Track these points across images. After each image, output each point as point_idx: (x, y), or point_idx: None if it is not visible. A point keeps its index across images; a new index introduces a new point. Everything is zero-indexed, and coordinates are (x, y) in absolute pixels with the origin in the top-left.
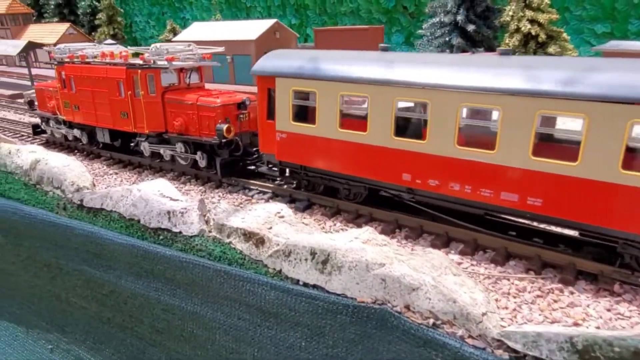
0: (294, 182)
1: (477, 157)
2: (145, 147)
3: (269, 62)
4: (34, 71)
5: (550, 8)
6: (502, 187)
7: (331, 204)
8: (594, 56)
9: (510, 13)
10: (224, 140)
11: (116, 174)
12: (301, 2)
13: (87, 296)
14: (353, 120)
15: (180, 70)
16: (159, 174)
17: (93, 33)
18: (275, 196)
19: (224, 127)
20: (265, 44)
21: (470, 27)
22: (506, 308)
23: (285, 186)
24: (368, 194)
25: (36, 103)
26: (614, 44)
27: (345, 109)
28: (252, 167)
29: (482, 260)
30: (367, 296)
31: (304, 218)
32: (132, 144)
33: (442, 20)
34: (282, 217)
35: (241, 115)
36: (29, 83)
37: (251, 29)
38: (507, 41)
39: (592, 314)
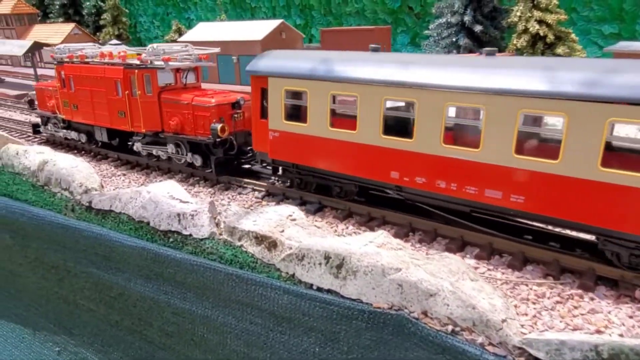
0: (288, 181)
1: (462, 155)
2: (139, 147)
3: (262, 62)
4: (39, 71)
5: (559, 9)
6: (486, 184)
7: (342, 206)
8: (604, 57)
9: (518, 13)
10: (218, 140)
11: (124, 175)
12: (306, 2)
13: (95, 299)
14: (343, 119)
15: (177, 70)
16: (167, 175)
17: (98, 33)
18: (285, 198)
19: (218, 126)
20: (271, 44)
21: (478, 28)
22: (526, 314)
23: (276, 184)
24: (358, 191)
25: (36, 102)
26: (624, 45)
27: (336, 108)
28: (248, 166)
29: (498, 264)
30: (383, 302)
31: (316, 221)
32: (129, 143)
33: (449, 20)
34: (294, 219)
35: (235, 115)
36: (34, 83)
37: (257, 29)
38: (514, 42)
39: (614, 321)
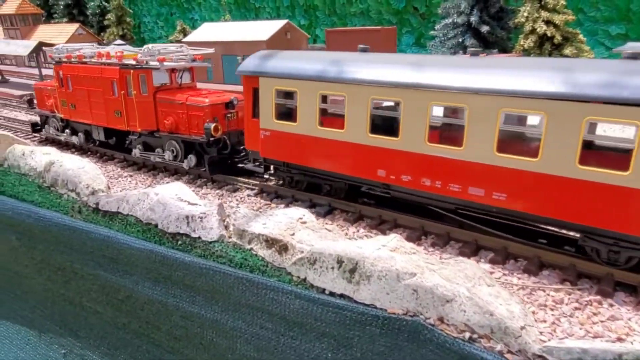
0: (280, 179)
1: (446, 153)
2: (137, 153)
3: (254, 62)
4: (44, 71)
5: (566, 9)
6: (469, 182)
7: (353, 209)
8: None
9: (525, 14)
10: (211, 139)
11: (130, 176)
12: (310, 2)
13: (102, 301)
14: (332, 119)
15: (172, 70)
16: (175, 176)
17: (102, 33)
18: (294, 201)
19: (212, 125)
20: (276, 44)
21: (484, 28)
22: (544, 321)
23: (268, 182)
24: (348, 189)
25: (35, 101)
26: (632, 46)
27: (325, 107)
28: (241, 165)
29: (514, 269)
30: (397, 307)
31: (326, 224)
32: (126, 142)
33: (455, 21)
34: (304, 222)
35: (229, 115)
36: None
37: (262, 29)
38: (521, 42)
39: (636, 329)
